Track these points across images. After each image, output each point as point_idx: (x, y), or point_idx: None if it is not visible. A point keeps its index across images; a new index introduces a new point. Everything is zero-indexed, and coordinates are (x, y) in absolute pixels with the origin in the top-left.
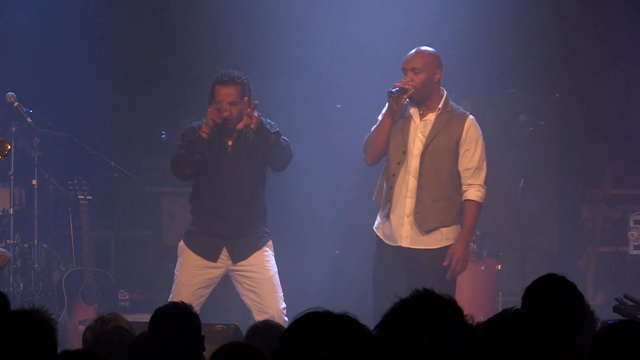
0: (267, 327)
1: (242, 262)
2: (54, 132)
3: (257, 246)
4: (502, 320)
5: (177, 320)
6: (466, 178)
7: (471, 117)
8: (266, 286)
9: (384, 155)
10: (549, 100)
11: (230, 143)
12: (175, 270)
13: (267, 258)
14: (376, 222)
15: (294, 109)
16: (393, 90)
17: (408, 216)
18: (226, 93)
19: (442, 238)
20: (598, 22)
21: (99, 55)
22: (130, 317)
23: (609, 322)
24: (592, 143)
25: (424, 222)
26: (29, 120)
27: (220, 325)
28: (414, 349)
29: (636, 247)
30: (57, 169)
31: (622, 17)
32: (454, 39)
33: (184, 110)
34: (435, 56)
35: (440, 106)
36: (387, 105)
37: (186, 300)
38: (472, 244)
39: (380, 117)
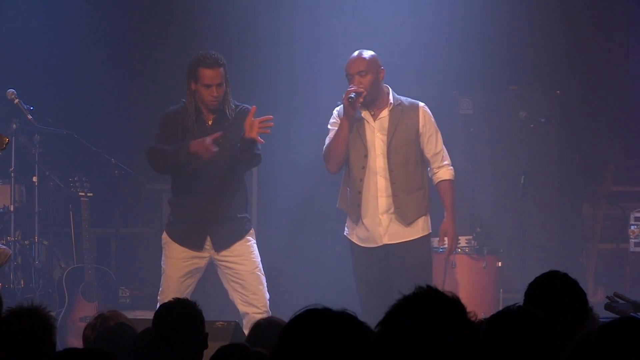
0: (271, 324)
1: (224, 252)
2: (55, 129)
3: (239, 235)
4: (505, 317)
5: (182, 316)
6: (435, 162)
7: (422, 104)
8: (251, 278)
9: (345, 162)
10: (549, 97)
11: (210, 122)
12: (162, 263)
13: (250, 249)
14: (347, 228)
15: (293, 105)
16: (352, 95)
17: (382, 214)
18: (212, 76)
19: (419, 228)
20: (599, 19)
21: (100, 52)
22: (130, 314)
23: (601, 319)
24: (593, 140)
25: (406, 216)
26: (30, 117)
27: (220, 322)
28: (417, 346)
29: (637, 244)
30: (58, 166)
31: (622, 14)
32: (454, 36)
33: None
34: (376, 57)
35: (391, 101)
36: (335, 113)
37: (176, 292)
38: (472, 241)
39: (331, 127)
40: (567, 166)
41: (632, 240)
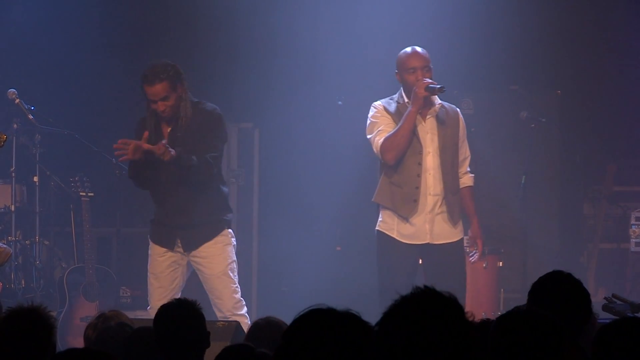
0: (269, 324)
1: (193, 252)
2: (56, 129)
3: (209, 236)
4: (514, 317)
5: (182, 316)
6: (463, 167)
7: (457, 108)
8: (216, 282)
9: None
10: (550, 97)
11: (168, 130)
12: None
13: (219, 251)
14: (383, 224)
15: (294, 104)
16: (437, 86)
17: (428, 213)
18: (154, 92)
19: (458, 230)
20: (599, 19)
21: (101, 52)
22: (131, 314)
23: (599, 320)
24: (594, 140)
25: (453, 215)
26: (31, 117)
27: (221, 322)
28: (414, 346)
29: (638, 244)
30: (59, 166)
31: (623, 14)
32: (455, 35)
33: None
34: None
35: (438, 101)
36: (379, 107)
37: (161, 289)
38: None
39: (375, 120)
40: (568, 166)
41: (633, 240)
